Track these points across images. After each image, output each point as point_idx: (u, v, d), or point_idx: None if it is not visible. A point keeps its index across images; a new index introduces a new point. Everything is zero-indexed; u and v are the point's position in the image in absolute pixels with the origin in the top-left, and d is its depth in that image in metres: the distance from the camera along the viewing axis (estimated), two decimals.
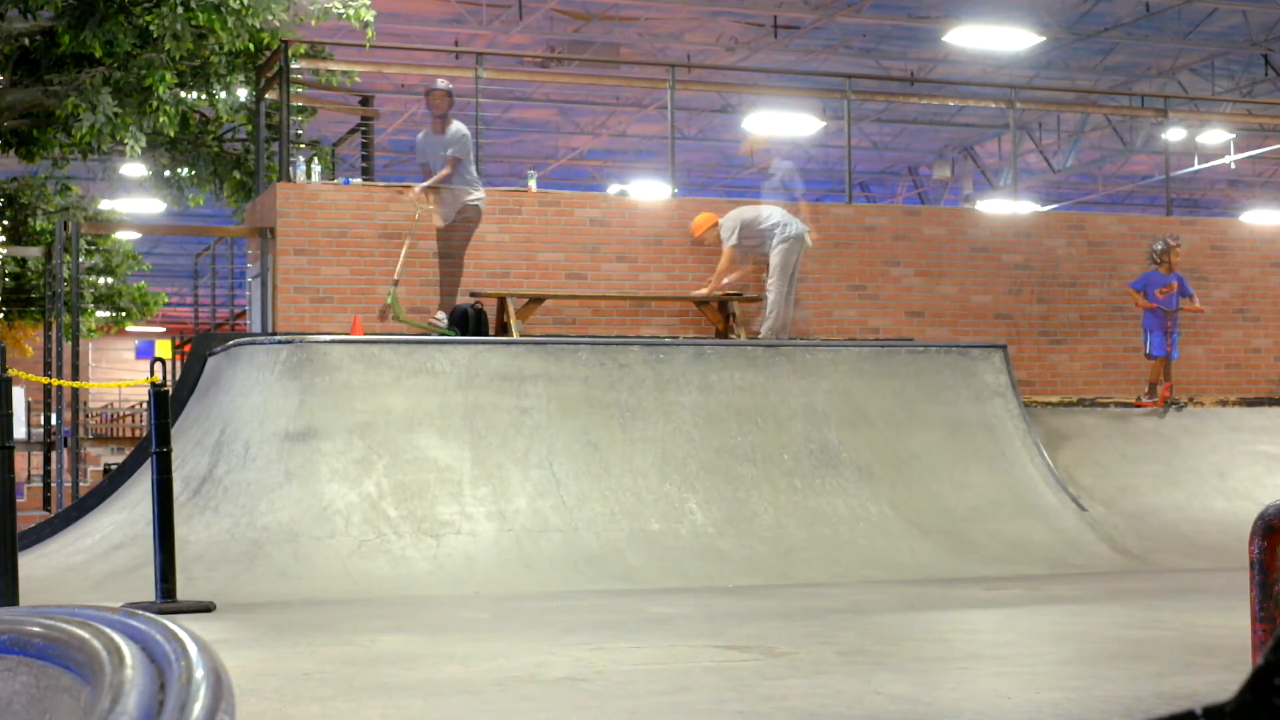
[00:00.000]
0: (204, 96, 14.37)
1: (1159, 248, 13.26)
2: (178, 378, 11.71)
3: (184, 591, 8.04)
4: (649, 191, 22.27)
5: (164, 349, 20.81)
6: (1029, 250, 14.09)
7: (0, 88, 13.94)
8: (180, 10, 12.47)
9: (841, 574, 9.48)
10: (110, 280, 23.32)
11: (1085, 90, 23.01)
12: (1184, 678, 5.20)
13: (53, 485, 14.65)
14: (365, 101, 15.25)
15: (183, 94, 13.91)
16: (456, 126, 11.87)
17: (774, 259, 12.33)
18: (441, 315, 11.73)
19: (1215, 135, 26.10)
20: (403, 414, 9.95)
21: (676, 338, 12.05)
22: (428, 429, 9.93)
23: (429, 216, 11.86)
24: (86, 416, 28.77)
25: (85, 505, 10.41)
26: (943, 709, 4.71)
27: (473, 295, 11.97)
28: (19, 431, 8.01)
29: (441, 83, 12.10)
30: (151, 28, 12.53)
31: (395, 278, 11.58)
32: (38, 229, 19.93)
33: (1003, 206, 21.71)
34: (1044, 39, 20.93)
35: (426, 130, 12.17)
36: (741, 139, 11.10)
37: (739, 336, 12.36)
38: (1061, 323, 14.09)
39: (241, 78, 14.30)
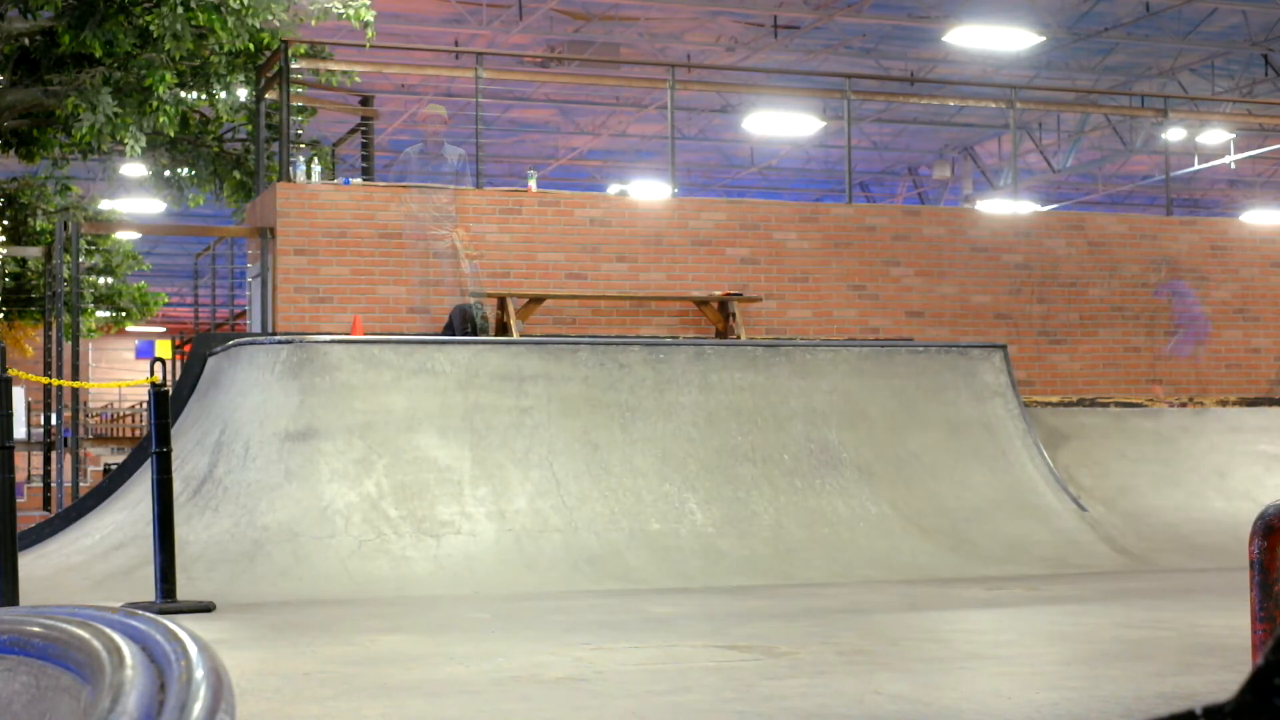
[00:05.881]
0: (204, 96, 14.37)
1: None
2: (178, 378, 11.71)
3: (184, 591, 8.04)
4: (649, 191, 22.26)
5: (164, 349, 20.77)
6: (1029, 250, 14.09)
7: (0, 88, 13.94)
8: (180, 10, 12.47)
9: (841, 574, 9.48)
10: (110, 280, 23.30)
11: (1085, 90, 23.00)
12: (1184, 678, 5.20)
13: (53, 485, 14.64)
14: (365, 101, 15.25)
15: (183, 94, 13.91)
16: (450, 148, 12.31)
17: None
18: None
19: (1215, 135, 26.10)
20: (403, 414, 9.95)
21: (676, 338, 12.04)
22: (428, 429, 9.93)
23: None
24: (86, 416, 28.75)
25: (85, 505, 10.40)
26: (943, 709, 4.71)
27: (473, 295, 11.97)
28: (19, 431, 8.00)
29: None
30: (151, 28, 12.53)
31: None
32: (38, 229, 19.92)
33: (1003, 206, 21.72)
34: (1044, 39, 20.93)
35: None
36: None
37: (739, 337, 12.36)
38: (1061, 323, 14.09)
39: (241, 78, 14.30)
